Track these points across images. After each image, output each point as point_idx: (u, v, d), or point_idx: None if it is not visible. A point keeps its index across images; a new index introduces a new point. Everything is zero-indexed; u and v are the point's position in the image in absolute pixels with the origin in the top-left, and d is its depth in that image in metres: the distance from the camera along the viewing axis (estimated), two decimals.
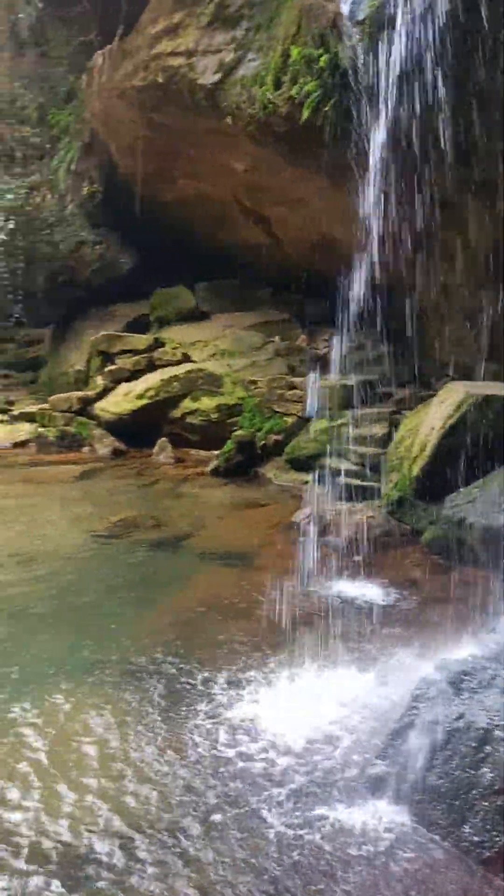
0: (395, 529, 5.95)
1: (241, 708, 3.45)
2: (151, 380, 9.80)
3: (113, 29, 9.38)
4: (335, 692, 3.54)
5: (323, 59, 6.12)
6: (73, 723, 3.34)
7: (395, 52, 5.26)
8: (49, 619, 4.58)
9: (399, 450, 6.56)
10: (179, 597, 4.97)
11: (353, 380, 7.66)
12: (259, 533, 6.31)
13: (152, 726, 3.31)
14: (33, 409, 10.67)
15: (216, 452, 8.56)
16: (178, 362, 10.03)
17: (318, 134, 6.45)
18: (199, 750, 3.14)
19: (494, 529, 5.04)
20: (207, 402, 9.26)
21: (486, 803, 2.58)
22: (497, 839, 2.51)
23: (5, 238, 10.95)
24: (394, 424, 7.19)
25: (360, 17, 5.73)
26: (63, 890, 2.38)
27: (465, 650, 3.22)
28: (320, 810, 2.76)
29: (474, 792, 2.62)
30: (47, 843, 2.59)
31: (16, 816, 2.72)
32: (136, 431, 9.48)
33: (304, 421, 8.32)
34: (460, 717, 2.79)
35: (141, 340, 10.60)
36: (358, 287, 5.82)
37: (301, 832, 2.65)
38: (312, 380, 7.44)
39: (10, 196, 11.28)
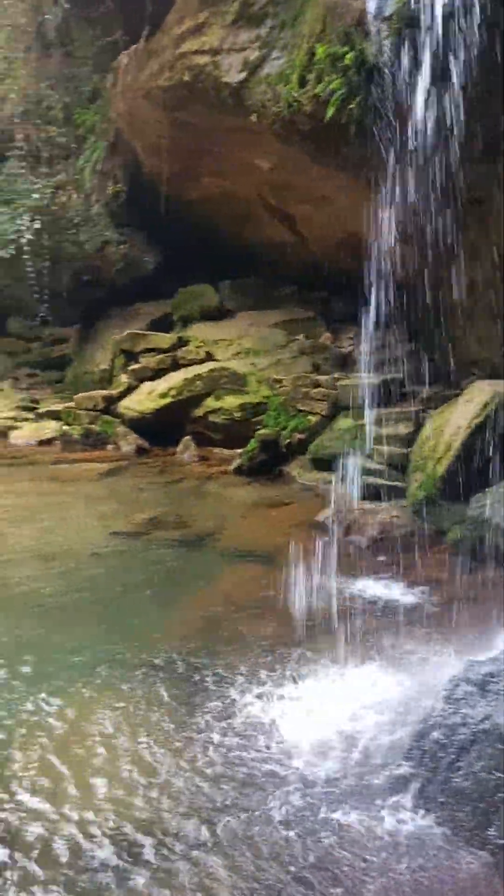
0: (419, 529, 5.91)
1: (263, 706, 3.45)
2: (175, 378, 9.82)
3: (138, 29, 9.41)
4: (359, 692, 3.53)
5: (348, 56, 6.08)
6: (91, 718, 3.36)
7: (424, 46, 5.21)
8: (72, 615, 4.61)
9: (424, 449, 6.52)
10: (202, 594, 4.98)
11: (377, 378, 7.61)
12: (282, 532, 6.29)
13: (172, 723, 3.32)
14: (59, 407, 10.75)
15: (239, 451, 8.56)
16: (202, 361, 10.05)
17: (343, 132, 6.42)
18: (220, 749, 3.13)
19: None
20: (231, 401, 9.26)
21: None
22: None
23: (31, 238, 11.02)
24: (418, 423, 7.15)
25: (387, 12, 5.69)
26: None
27: (491, 651, 3.20)
28: (342, 811, 2.75)
29: (500, 794, 2.60)
30: (58, 843, 2.61)
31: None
32: (159, 430, 9.52)
33: (329, 420, 8.29)
34: (486, 718, 2.77)
35: (165, 339, 10.64)
36: (383, 285, 5.79)
37: (321, 833, 2.64)
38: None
39: (35, 196, 11.36)
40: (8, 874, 2.43)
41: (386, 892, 2.39)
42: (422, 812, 2.72)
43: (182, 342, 10.51)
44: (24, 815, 2.72)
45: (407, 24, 5.54)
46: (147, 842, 2.59)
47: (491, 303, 6.92)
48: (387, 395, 7.46)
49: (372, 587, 4.99)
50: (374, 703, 3.44)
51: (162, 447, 9.42)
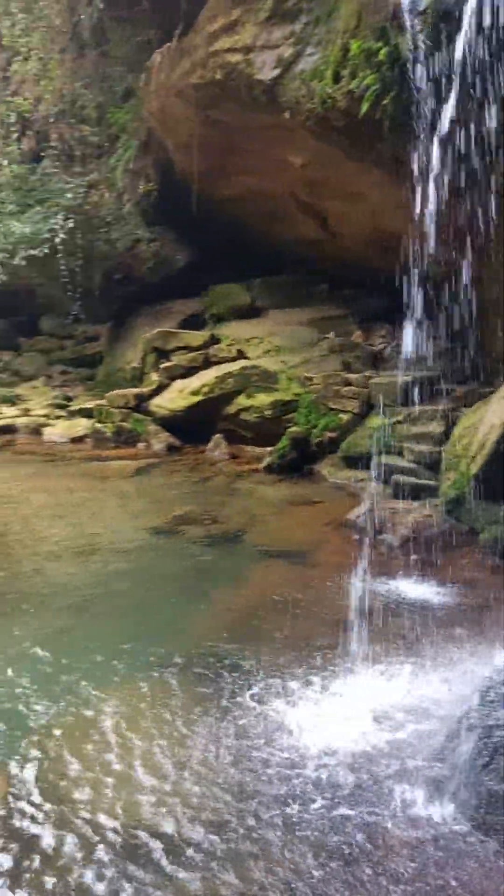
0: (452, 529, 5.84)
1: (293, 705, 3.44)
2: (206, 376, 9.85)
3: (171, 28, 9.44)
4: (390, 692, 3.51)
5: (382, 51, 6.03)
6: (124, 715, 3.37)
7: (458, 39, 5.15)
8: (106, 611, 4.64)
9: (457, 448, 6.45)
10: (234, 592, 4.99)
11: (409, 376, 7.55)
12: (314, 530, 6.28)
13: (201, 721, 3.32)
14: (91, 405, 10.84)
15: (270, 449, 8.55)
16: (233, 359, 10.06)
17: (377, 127, 6.37)
18: (250, 750, 3.12)
19: None
20: (262, 399, 9.26)
21: None
22: None
23: (65, 237, 11.12)
24: (451, 422, 7.07)
25: (421, 6, 5.63)
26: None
27: None
28: (372, 812, 2.73)
29: None
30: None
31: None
32: (190, 427, 9.55)
33: (360, 418, 8.25)
34: None
35: (196, 337, 10.67)
36: (416, 282, 5.74)
37: (350, 835, 2.62)
38: None
39: (69, 195, 11.46)
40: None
41: (418, 893, 2.37)
42: (456, 815, 2.69)
43: (213, 340, 10.54)
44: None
45: (441, 19, 5.48)
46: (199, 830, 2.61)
47: None
48: (419, 392, 7.40)
49: (404, 587, 4.95)
50: (406, 703, 3.42)
51: (193, 445, 9.45)
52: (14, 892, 2.35)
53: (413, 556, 5.42)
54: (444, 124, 5.39)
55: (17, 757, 3.05)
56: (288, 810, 2.74)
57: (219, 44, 8.43)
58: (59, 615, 4.52)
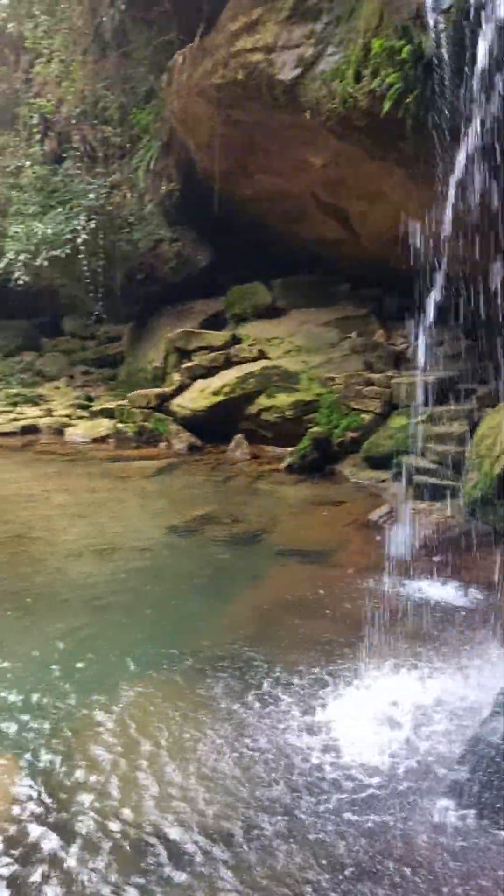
0: (474, 530, 5.80)
1: (313, 707, 3.42)
2: (227, 376, 9.86)
3: (193, 28, 9.45)
4: (412, 694, 3.48)
5: (405, 50, 6.01)
6: (144, 715, 3.38)
7: (485, 36, 5.11)
8: (127, 610, 4.66)
9: (480, 448, 6.40)
10: (255, 592, 4.99)
11: (432, 376, 7.51)
12: (335, 530, 6.27)
13: (221, 722, 3.32)
14: (112, 405, 10.90)
15: (291, 449, 8.55)
16: (254, 359, 10.07)
17: (400, 126, 6.35)
18: (270, 751, 3.11)
19: None
20: (283, 399, 9.25)
21: None
22: None
23: (87, 237, 11.19)
24: (474, 422, 7.02)
25: (445, 5, 5.60)
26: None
27: None
28: (393, 816, 2.71)
29: None
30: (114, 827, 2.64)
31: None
32: (211, 427, 9.57)
33: (382, 418, 8.22)
34: None
35: (217, 337, 10.69)
36: (438, 281, 5.70)
37: (372, 839, 2.60)
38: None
39: (91, 196, 11.53)
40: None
41: None
42: (479, 819, 2.66)
43: (235, 340, 10.56)
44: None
45: (465, 16, 5.44)
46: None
47: None
48: (442, 393, 7.36)
49: (426, 588, 4.92)
50: (428, 705, 3.39)
51: (214, 445, 9.47)
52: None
53: (435, 557, 5.38)
54: (471, 123, 5.34)
55: (32, 751, 3.08)
56: (302, 806, 2.73)
57: (240, 43, 8.43)
58: (78, 613, 4.55)
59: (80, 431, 10.54)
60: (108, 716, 3.37)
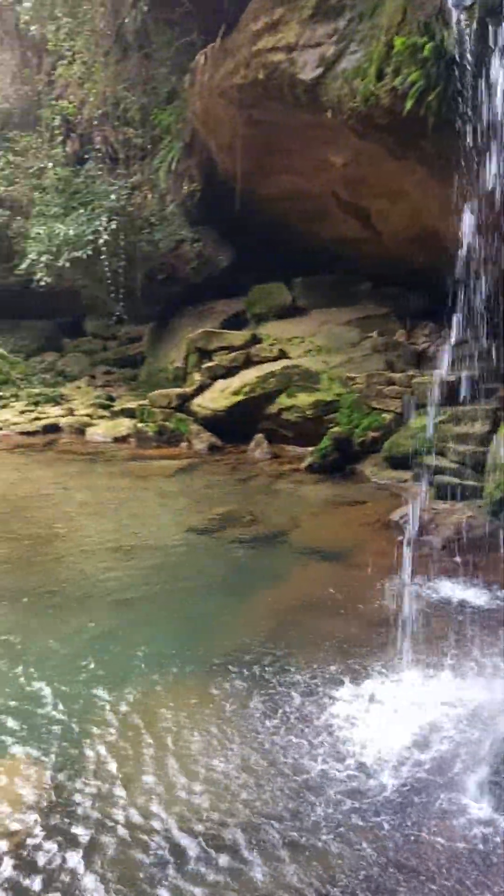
0: (497, 530, 5.74)
1: (336, 709, 3.41)
2: (247, 376, 9.86)
3: (214, 29, 9.47)
4: (436, 696, 3.46)
5: (427, 47, 5.98)
6: (166, 714, 3.38)
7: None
8: (145, 609, 4.67)
9: (502, 448, 6.34)
10: (275, 592, 4.98)
11: (454, 375, 7.45)
12: (356, 531, 6.24)
13: (243, 722, 3.32)
14: (133, 404, 10.94)
15: (311, 449, 8.53)
16: (275, 359, 10.06)
17: (422, 124, 6.31)
18: (291, 751, 3.10)
19: None
20: (303, 399, 9.24)
21: None
22: None
23: (108, 238, 11.24)
24: (496, 422, 6.96)
25: (468, 1, 5.56)
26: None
27: None
28: (418, 817, 2.69)
29: None
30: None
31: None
32: (232, 427, 9.57)
33: (403, 418, 8.17)
34: None
35: (238, 337, 10.69)
36: (461, 280, 5.66)
37: (395, 840, 2.59)
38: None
39: (113, 197, 11.58)
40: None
41: None
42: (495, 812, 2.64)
43: (255, 340, 10.56)
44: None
45: (489, 13, 5.40)
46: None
47: None
48: (464, 392, 7.29)
49: (447, 589, 4.88)
50: (452, 707, 3.37)
51: (234, 444, 9.47)
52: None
53: (456, 558, 5.34)
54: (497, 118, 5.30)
55: (55, 753, 3.09)
56: (327, 808, 2.72)
57: (262, 43, 8.43)
58: (99, 612, 4.57)
59: (101, 431, 10.60)
60: (130, 712, 3.38)
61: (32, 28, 12.82)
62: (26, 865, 2.45)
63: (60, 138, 13.14)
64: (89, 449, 9.84)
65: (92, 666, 3.84)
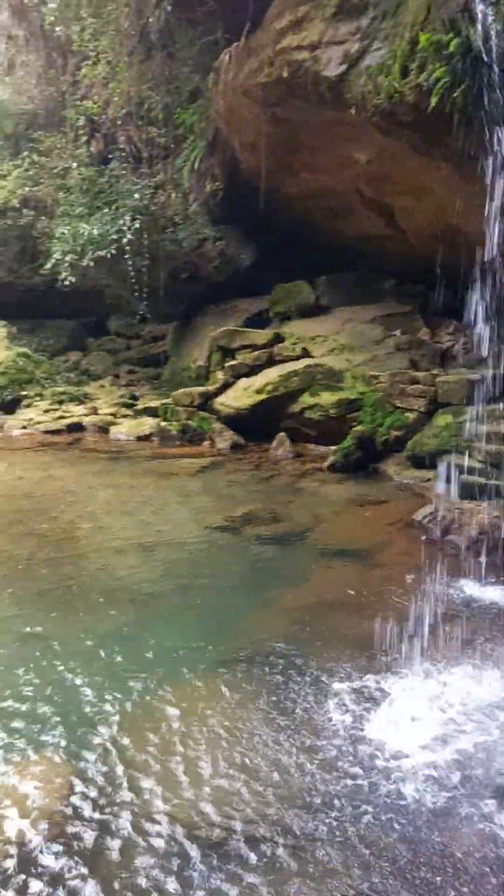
0: None
1: (357, 710, 3.40)
2: (270, 375, 9.85)
3: (238, 27, 9.47)
4: (459, 698, 3.43)
5: (453, 43, 5.94)
6: (187, 713, 3.39)
7: None
8: (167, 606, 4.69)
9: None
10: (297, 591, 4.97)
11: (478, 374, 7.40)
12: (378, 530, 6.21)
13: (263, 723, 3.31)
14: (156, 403, 10.98)
15: (334, 448, 8.50)
16: (298, 357, 10.04)
17: (447, 121, 6.27)
18: (312, 752, 3.09)
19: None
20: (327, 397, 9.21)
21: None
22: None
23: (132, 237, 11.29)
24: None
25: None
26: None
27: None
28: (440, 821, 2.68)
29: None
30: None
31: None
32: (254, 426, 9.57)
33: (427, 417, 8.12)
34: None
35: (260, 335, 10.69)
36: (486, 277, 5.61)
37: (417, 846, 2.58)
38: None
39: (136, 196, 11.64)
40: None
41: None
42: None
43: (278, 338, 10.54)
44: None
45: None
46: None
47: None
48: (489, 391, 7.23)
49: (471, 589, 4.84)
50: (474, 709, 3.34)
51: (257, 443, 9.47)
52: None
53: (481, 559, 5.30)
54: None
55: (76, 746, 3.11)
56: (345, 812, 2.71)
57: (285, 41, 8.42)
58: (122, 609, 4.59)
59: (124, 430, 10.65)
60: (151, 711, 3.39)
61: (57, 29, 12.91)
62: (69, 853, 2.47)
63: (85, 138, 13.22)
64: (112, 448, 9.89)
65: (113, 662, 3.86)
